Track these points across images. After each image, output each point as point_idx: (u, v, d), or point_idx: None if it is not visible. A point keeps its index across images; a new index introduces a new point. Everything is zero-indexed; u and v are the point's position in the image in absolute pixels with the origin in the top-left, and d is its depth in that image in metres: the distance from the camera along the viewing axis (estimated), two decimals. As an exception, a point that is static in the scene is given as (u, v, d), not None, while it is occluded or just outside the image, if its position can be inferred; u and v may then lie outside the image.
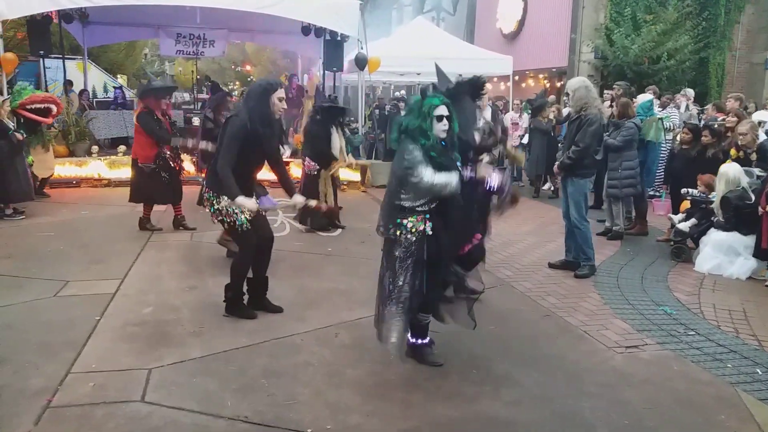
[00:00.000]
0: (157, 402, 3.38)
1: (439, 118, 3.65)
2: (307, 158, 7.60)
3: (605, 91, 10.85)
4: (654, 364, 4.09)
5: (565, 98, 6.26)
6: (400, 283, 3.70)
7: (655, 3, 14.70)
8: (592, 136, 5.76)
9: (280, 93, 4.43)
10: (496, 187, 4.04)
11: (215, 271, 5.63)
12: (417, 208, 3.72)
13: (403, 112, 3.94)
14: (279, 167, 4.74)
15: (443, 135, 3.68)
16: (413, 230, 3.70)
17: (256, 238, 4.59)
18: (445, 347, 4.21)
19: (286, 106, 4.65)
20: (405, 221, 3.71)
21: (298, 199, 4.75)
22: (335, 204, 7.76)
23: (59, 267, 5.77)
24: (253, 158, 4.49)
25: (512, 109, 13.20)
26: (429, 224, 3.72)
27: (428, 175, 3.56)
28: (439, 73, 4.57)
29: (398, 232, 3.71)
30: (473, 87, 4.38)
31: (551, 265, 6.22)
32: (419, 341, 4.02)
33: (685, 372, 3.99)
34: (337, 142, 7.51)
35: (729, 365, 4.08)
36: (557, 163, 6.09)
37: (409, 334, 3.95)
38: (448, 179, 3.59)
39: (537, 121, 10.42)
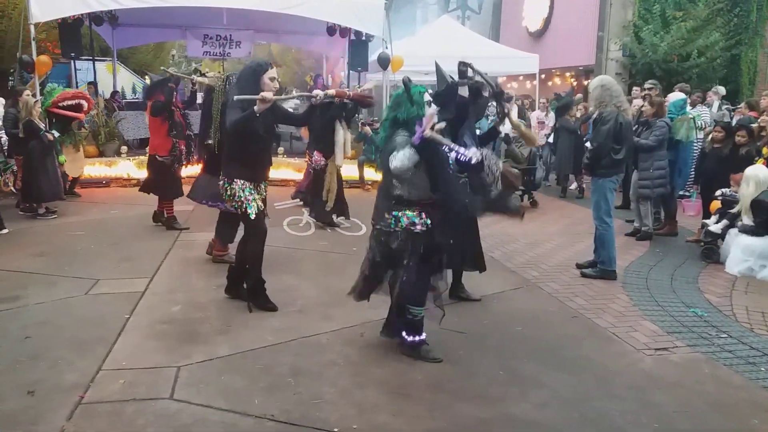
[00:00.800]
0: (185, 399, 3.42)
1: (429, 104, 3.78)
2: (315, 152, 7.64)
3: (634, 89, 10.70)
4: (684, 366, 4.03)
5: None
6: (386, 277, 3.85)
7: (685, 0, 14.45)
8: (605, 135, 5.67)
9: (272, 73, 4.51)
10: (470, 159, 3.69)
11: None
12: (413, 200, 3.75)
13: (389, 109, 3.86)
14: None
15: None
16: (410, 225, 3.75)
17: (264, 225, 4.73)
18: (471, 348, 4.20)
19: (278, 86, 4.74)
20: (400, 214, 3.77)
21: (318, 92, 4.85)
22: (342, 199, 7.78)
23: (90, 265, 5.88)
24: (255, 139, 4.56)
25: (538, 108, 13.09)
26: (425, 220, 3.75)
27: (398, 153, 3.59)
28: (439, 72, 4.59)
29: (394, 224, 3.77)
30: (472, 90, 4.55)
31: (579, 267, 6.14)
32: (416, 338, 4.00)
33: (717, 375, 3.92)
34: (341, 136, 7.49)
35: (762, 368, 4.00)
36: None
37: (404, 333, 3.99)
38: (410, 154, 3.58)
39: (564, 120, 10.30)
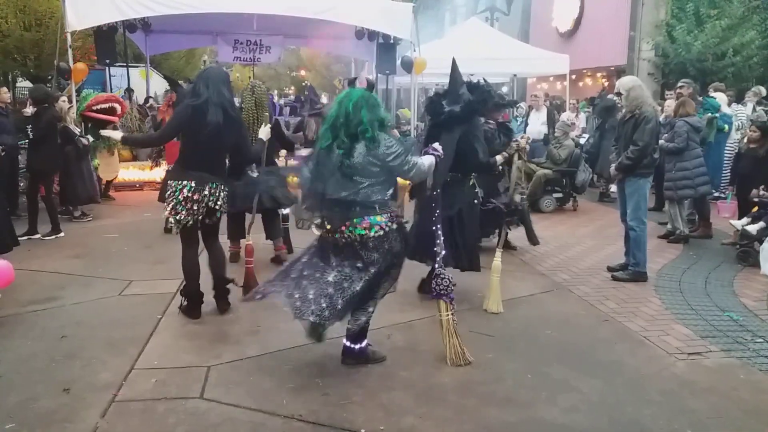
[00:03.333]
0: (215, 399, 3.47)
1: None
2: None
3: (667, 92, 10.49)
4: (718, 372, 3.94)
5: (616, 98, 6.03)
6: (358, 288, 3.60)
7: (719, -2, 14.16)
8: (651, 134, 5.60)
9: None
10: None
11: (270, 272, 5.71)
12: (389, 205, 3.65)
13: (364, 110, 3.53)
14: None
15: None
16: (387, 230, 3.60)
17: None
18: (499, 351, 4.18)
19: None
20: (379, 219, 3.58)
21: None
22: None
23: (124, 267, 6.00)
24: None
25: (568, 109, 12.94)
26: (394, 224, 3.65)
27: (417, 160, 3.69)
28: (455, 73, 4.61)
29: (374, 232, 3.57)
30: (481, 103, 4.72)
31: (610, 269, 6.05)
32: (364, 344, 3.93)
33: (753, 381, 3.82)
34: None
35: (801, 375, 3.89)
36: (615, 164, 5.90)
37: (347, 342, 3.90)
38: (430, 160, 3.82)
39: (615, 120, 10.01)
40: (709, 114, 8.46)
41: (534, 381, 3.78)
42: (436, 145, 4.00)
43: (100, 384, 3.62)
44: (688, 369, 3.97)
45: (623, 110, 6.03)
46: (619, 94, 5.87)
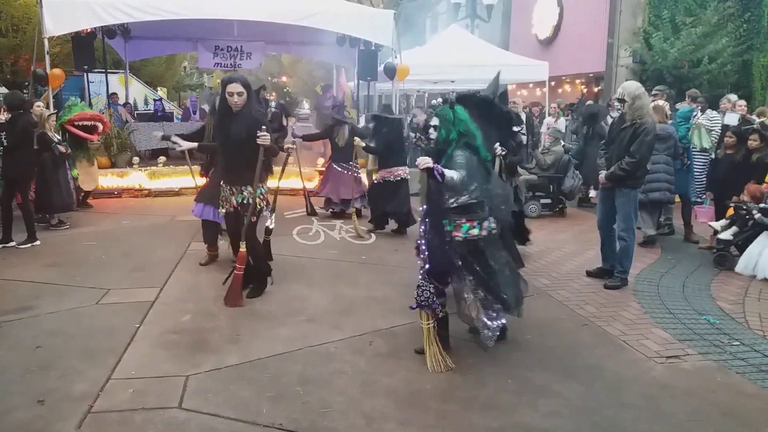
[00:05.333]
0: (194, 409, 3.43)
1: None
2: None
3: None
4: (696, 375, 3.98)
5: (618, 104, 5.78)
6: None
7: (695, 5, 14.37)
8: (648, 147, 5.54)
9: (230, 87, 4.85)
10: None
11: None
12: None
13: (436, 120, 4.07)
14: None
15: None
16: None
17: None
18: (480, 357, 4.17)
19: (237, 100, 4.92)
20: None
21: None
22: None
23: (101, 275, 5.92)
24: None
25: (549, 114, 13.05)
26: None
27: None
28: (496, 82, 4.64)
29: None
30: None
31: (589, 273, 6.10)
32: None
33: (730, 383, 3.86)
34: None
35: (777, 377, 3.94)
36: (605, 173, 5.72)
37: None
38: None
39: (600, 127, 10.04)
40: (702, 122, 8.58)
41: (515, 386, 3.78)
42: (420, 160, 3.86)
43: (76, 395, 3.55)
44: (666, 372, 4.00)
45: (616, 115, 5.95)
46: (621, 100, 5.60)
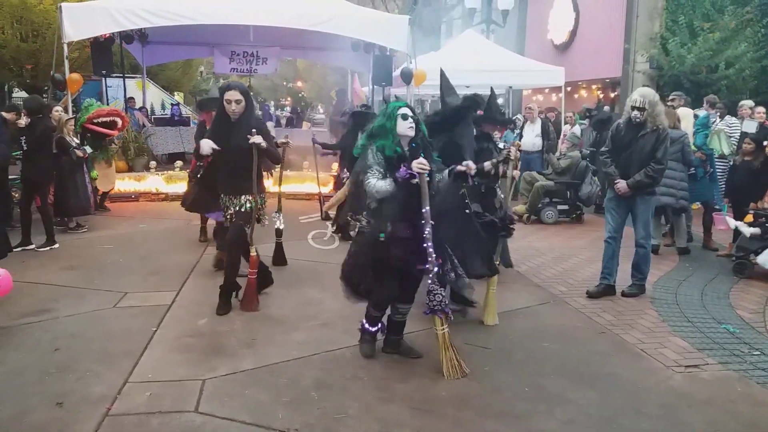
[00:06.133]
0: (210, 413, 3.44)
1: (404, 117, 3.87)
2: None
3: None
4: (716, 384, 3.93)
5: (636, 113, 5.45)
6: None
7: (712, 10, 14.25)
8: (668, 153, 5.57)
9: (228, 95, 4.82)
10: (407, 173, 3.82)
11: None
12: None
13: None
14: None
15: (411, 133, 3.89)
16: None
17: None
18: (496, 364, 4.16)
19: (234, 108, 4.87)
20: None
21: None
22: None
23: (118, 279, 5.97)
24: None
25: (564, 121, 13.00)
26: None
27: (372, 181, 3.78)
28: (444, 81, 4.60)
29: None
30: (476, 105, 4.72)
31: (591, 295, 5.66)
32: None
33: (750, 394, 3.81)
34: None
35: (798, 387, 3.89)
36: (627, 182, 5.45)
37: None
38: (387, 188, 3.78)
39: (607, 134, 10.00)
40: (722, 128, 8.51)
41: (531, 393, 3.76)
42: (415, 163, 3.77)
43: (94, 397, 3.58)
44: (685, 382, 3.96)
45: (621, 121, 5.82)
46: (641, 108, 5.38)
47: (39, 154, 7.17)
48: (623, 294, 5.68)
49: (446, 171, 4.03)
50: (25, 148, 7.19)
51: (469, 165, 4.04)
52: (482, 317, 4.94)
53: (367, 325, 4.25)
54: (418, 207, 3.82)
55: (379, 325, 4.27)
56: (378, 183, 3.80)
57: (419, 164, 3.73)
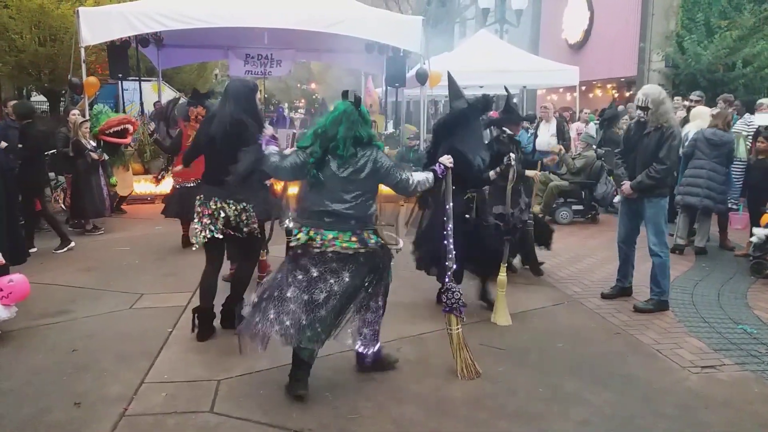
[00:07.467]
0: (225, 413, 3.47)
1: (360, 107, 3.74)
2: None
3: (675, 98, 10.43)
4: (733, 385, 3.89)
5: (640, 112, 5.30)
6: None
7: (729, 8, 14.09)
8: (676, 152, 5.28)
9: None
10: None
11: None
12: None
13: (341, 127, 3.55)
14: None
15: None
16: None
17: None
18: (511, 365, 4.15)
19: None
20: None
21: None
22: None
23: (134, 280, 6.03)
24: None
25: (579, 120, 12.92)
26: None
27: (409, 175, 3.71)
28: (452, 84, 4.60)
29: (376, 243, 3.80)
30: (485, 107, 4.69)
31: (605, 296, 5.59)
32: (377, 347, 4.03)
33: (767, 394, 3.77)
34: None
35: (817, 389, 3.84)
36: (630, 183, 5.24)
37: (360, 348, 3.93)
38: (424, 176, 3.79)
39: (612, 133, 10.01)
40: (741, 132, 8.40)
41: (546, 394, 3.74)
42: (445, 158, 3.94)
43: (111, 397, 3.62)
44: (702, 382, 3.92)
45: (631, 121, 5.78)
46: (644, 108, 5.15)
47: (34, 159, 7.21)
48: (635, 308, 5.26)
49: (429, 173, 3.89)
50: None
51: (449, 158, 3.95)
52: (493, 318, 4.93)
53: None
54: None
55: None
56: (420, 176, 3.78)
57: (449, 159, 3.83)
